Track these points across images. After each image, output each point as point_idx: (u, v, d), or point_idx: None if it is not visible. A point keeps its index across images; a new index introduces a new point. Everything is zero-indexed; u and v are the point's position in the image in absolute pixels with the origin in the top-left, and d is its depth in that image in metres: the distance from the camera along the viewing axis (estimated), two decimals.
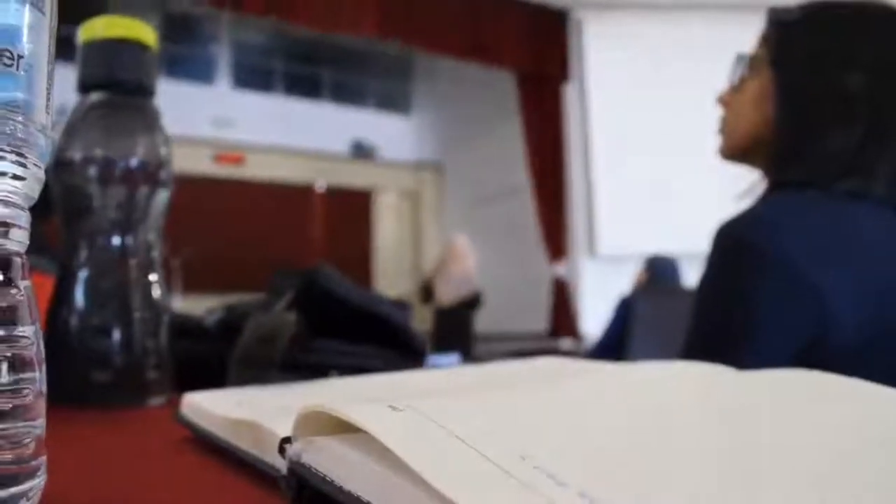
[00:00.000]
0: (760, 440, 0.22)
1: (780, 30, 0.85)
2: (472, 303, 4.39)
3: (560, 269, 4.97)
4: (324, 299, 0.60)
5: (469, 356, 3.69)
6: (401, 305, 0.68)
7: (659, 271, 3.09)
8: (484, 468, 0.19)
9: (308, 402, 0.25)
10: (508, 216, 5.83)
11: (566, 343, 4.72)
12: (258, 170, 6.37)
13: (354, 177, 6.89)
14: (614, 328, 2.67)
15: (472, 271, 4.47)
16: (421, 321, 4.70)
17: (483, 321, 4.65)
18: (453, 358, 0.85)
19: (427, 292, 4.75)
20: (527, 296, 5.39)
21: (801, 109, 0.82)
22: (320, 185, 6.74)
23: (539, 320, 5.12)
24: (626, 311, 2.63)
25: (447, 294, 4.41)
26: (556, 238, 4.99)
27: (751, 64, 0.89)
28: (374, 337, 0.61)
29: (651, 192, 4.97)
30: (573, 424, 0.23)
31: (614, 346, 2.61)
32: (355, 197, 6.95)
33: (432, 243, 6.85)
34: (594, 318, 4.70)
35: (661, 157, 4.97)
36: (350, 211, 6.88)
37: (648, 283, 3.05)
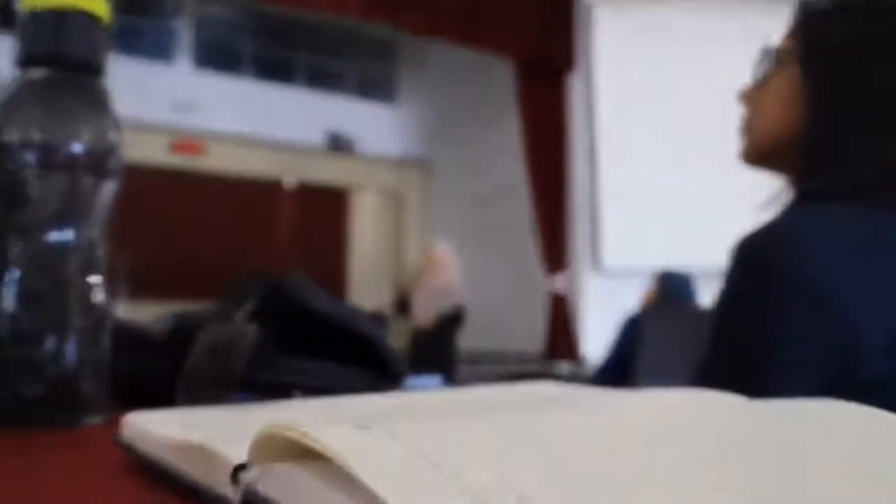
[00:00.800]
0: (779, 480, 0.22)
1: (812, 21, 0.86)
2: (453, 319, 4.39)
3: (559, 282, 4.99)
4: (290, 310, 0.60)
5: (451, 379, 3.69)
6: (377, 320, 0.68)
7: (671, 288, 3.11)
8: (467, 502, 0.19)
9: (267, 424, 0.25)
10: (502, 221, 5.85)
11: (564, 367, 4.73)
12: (220, 161, 6.37)
13: (329, 172, 6.90)
14: (619, 350, 2.69)
15: (455, 283, 4.47)
16: (399, 337, 4.70)
17: (470, 340, 4.66)
18: (434, 380, 0.85)
19: (402, 305, 4.75)
20: (520, 312, 5.41)
21: (834, 109, 0.82)
22: (290, 180, 6.74)
23: (534, 340, 5.14)
24: (632, 331, 2.64)
25: (424, 308, 4.41)
26: (555, 248, 5.01)
27: (778, 58, 0.89)
28: (347, 355, 0.61)
29: (664, 198, 5.01)
30: (564, 456, 0.23)
31: (618, 369, 2.62)
32: (329, 195, 6.95)
33: (416, 250, 6.85)
34: (596, 340, 4.72)
35: (676, 160, 5.01)
36: (323, 211, 6.88)
37: (658, 301, 3.06)
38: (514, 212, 5.63)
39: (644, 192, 4.98)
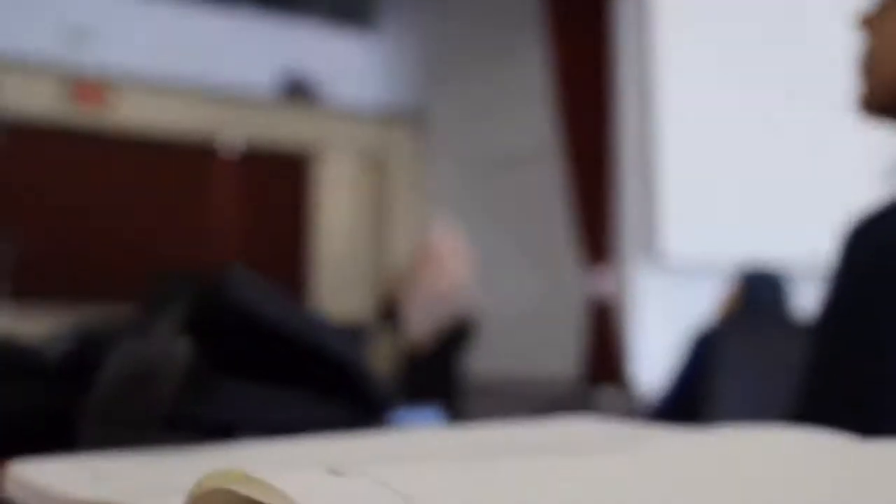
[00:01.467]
0: None
1: None
2: (459, 332, 4.40)
3: (601, 280, 4.98)
4: (234, 320, 0.60)
5: (456, 413, 3.69)
6: (352, 333, 0.68)
7: (756, 291, 3.12)
8: None
9: (205, 474, 0.25)
10: (522, 197, 5.86)
11: (609, 395, 4.74)
12: (132, 113, 6.36)
13: (285, 130, 6.90)
14: (687, 374, 2.70)
15: (461, 283, 4.48)
16: (384, 356, 4.71)
17: (481, 359, 4.67)
18: (429, 413, 0.86)
19: (390, 313, 4.76)
20: (548, 321, 5.42)
21: None
22: (231, 142, 6.74)
23: (566, 359, 5.15)
24: (705, 349, 2.65)
25: (420, 317, 4.41)
26: (596, 233, 5.00)
27: None
28: (311, 381, 0.62)
29: (744, 166, 5.01)
30: None
31: (686, 400, 2.63)
32: (286, 162, 6.95)
33: (406, 236, 6.86)
34: (652, 358, 4.72)
35: (762, 114, 5.00)
36: (277, 184, 6.89)
37: (741, 309, 3.07)
38: (537, 184, 5.63)
39: (717, 158, 4.97)
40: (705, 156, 4.98)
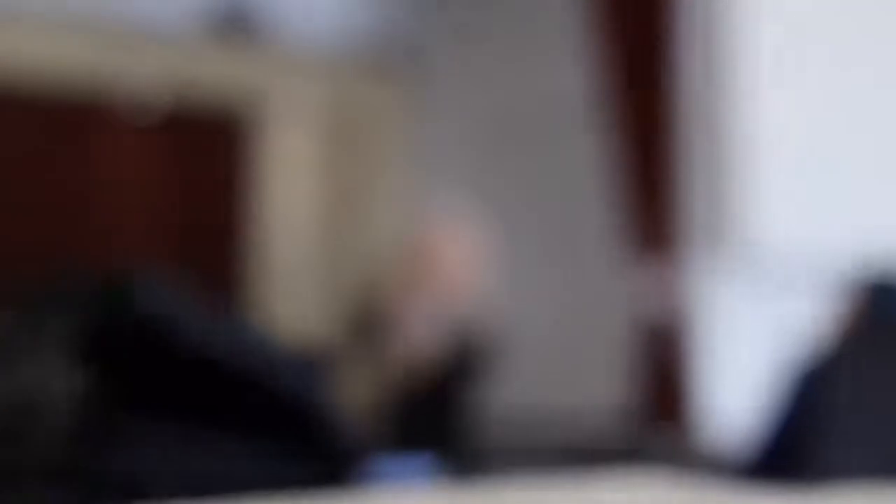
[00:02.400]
0: None
1: None
2: (467, 359, 4.40)
3: (657, 284, 4.99)
4: (144, 341, 0.61)
5: (460, 464, 3.70)
6: (309, 358, 0.69)
7: (885, 305, 3.12)
8: None
9: None
10: (550, 172, 5.86)
11: (667, 439, 4.74)
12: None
13: (215, 80, 6.88)
14: (789, 418, 2.70)
15: (471, 289, 4.48)
16: (364, 388, 4.68)
17: (495, 388, 4.66)
18: (420, 465, 0.88)
19: (367, 330, 4.75)
20: (584, 336, 5.42)
21: None
22: (138, 96, 6.71)
23: (608, 388, 5.16)
24: (813, 386, 2.66)
25: (414, 337, 4.41)
26: (650, 221, 5.00)
27: None
28: (249, 421, 0.62)
29: (861, 129, 5.00)
30: None
31: (789, 452, 2.63)
32: (217, 125, 6.93)
33: (388, 225, 6.85)
34: (729, 390, 4.70)
35: (880, 54, 5.00)
36: (205, 154, 6.86)
37: (862, 329, 3.07)
38: (572, 153, 5.63)
39: (821, 117, 4.96)
40: (804, 114, 4.97)
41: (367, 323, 4.83)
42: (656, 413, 4.93)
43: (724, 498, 0.44)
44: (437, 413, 4.25)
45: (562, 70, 5.66)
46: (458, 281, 4.47)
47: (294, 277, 6.94)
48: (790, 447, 2.67)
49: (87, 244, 6.31)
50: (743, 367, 4.68)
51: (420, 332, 4.38)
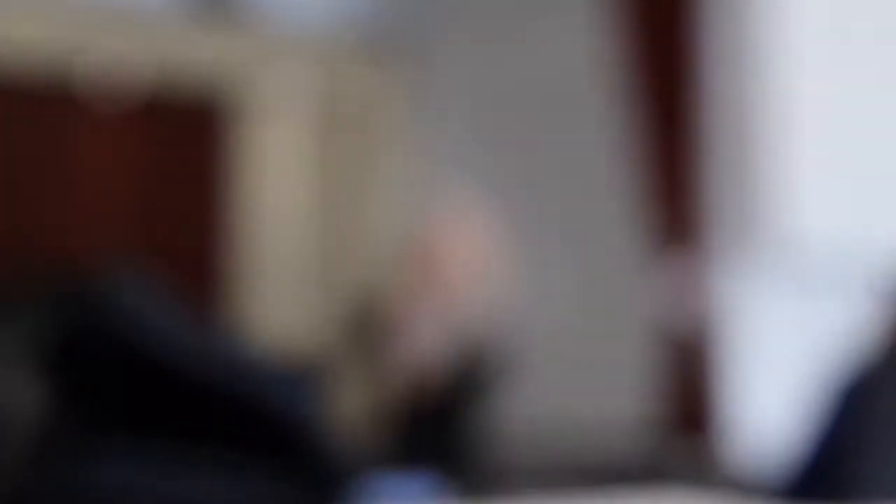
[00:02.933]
0: None
1: None
2: (476, 365, 4.36)
3: (681, 281, 4.93)
4: (114, 350, 0.58)
5: (467, 482, 3.67)
6: (298, 369, 0.67)
7: None
8: None
9: None
10: (565, 161, 5.81)
11: (692, 453, 4.70)
12: None
13: (196, 63, 6.83)
14: (829, 434, 2.67)
15: (483, 291, 4.43)
16: (357, 405, 4.63)
17: (506, 399, 4.64)
18: (420, 483, 0.86)
19: (365, 339, 4.73)
20: (601, 341, 5.38)
21: None
22: (112, 80, 6.67)
23: (631, 395, 5.13)
24: (854, 400, 2.63)
25: (420, 344, 4.38)
26: (675, 213, 4.91)
27: None
28: (231, 439, 0.59)
29: None
30: None
31: (826, 470, 2.60)
32: (198, 111, 6.88)
33: (387, 220, 6.83)
34: (762, 400, 4.66)
35: None
36: (184, 144, 6.77)
37: None
38: (590, 139, 5.56)
39: (853, 104, 4.88)
40: (846, 97, 4.95)
41: (366, 328, 4.80)
42: (681, 426, 4.86)
43: None
44: (442, 427, 4.20)
45: (571, 50, 5.61)
46: (465, 283, 4.43)
47: (284, 277, 6.89)
48: (828, 466, 2.64)
49: (62, 235, 6.29)
50: (775, 375, 4.64)
51: (424, 339, 4.35)
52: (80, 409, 0.50)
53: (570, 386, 5.39)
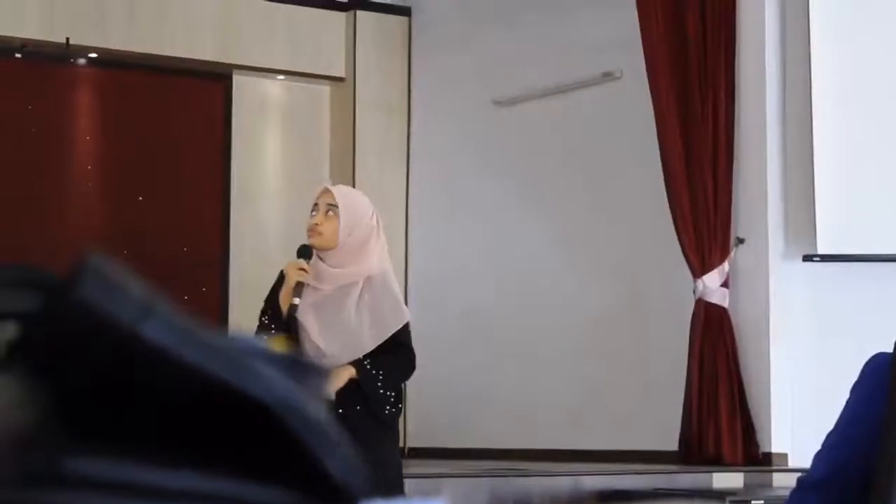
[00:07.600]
0: None
1: None
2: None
3: (707, 286, 4.88)
4: (89, 341, 0.56)
5: None
6: (300, 362, 0.65)
7: None
8: None
9: None
10: (575, 153, 5.83)
11: (732, 478, 4.67)
12: None
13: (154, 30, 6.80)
14: (873, 441, 2.66)
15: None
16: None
17: (515, 427, 4.68)
18: None
19: None
20: (619, 357, 5.37)
21: None
22: (90, 45, 6.63)
23: (657, 428, 5.13)
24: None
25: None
26: (704, 214, 4.87)
27: None
28: (221, 443, 0.58)
29: None
30: None
31: (862, 465, 2.59)
32: (168, 81, 6.83)
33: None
34: (802, 405, 4.61)
35: None
36: (167, 113, 6.71)
37: None
38: (607, 132, 5.56)
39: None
40: (881, 103, 5.04)
41: None
42: (714, 447, 4.81)
43: None
44: None
45: (605, 47, 5.64)
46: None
47: (278, 262, 6.85)
48: (872, 478, 2.62)
49: (26, 214, 6.33)
50: (815, 385, 4.62)
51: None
52: (49, 408, 0.48)
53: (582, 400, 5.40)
